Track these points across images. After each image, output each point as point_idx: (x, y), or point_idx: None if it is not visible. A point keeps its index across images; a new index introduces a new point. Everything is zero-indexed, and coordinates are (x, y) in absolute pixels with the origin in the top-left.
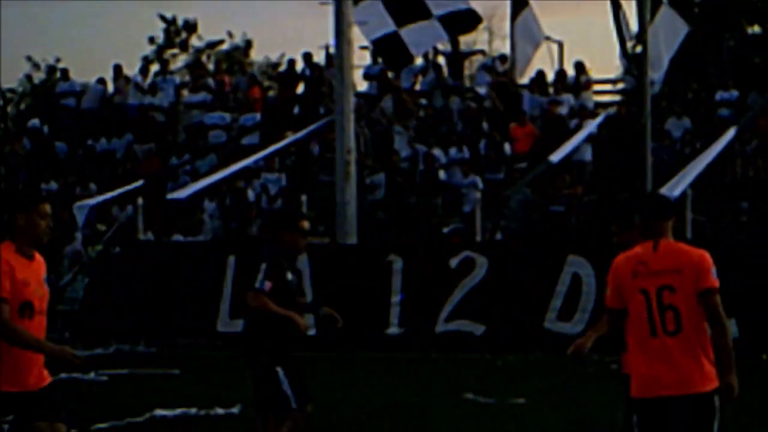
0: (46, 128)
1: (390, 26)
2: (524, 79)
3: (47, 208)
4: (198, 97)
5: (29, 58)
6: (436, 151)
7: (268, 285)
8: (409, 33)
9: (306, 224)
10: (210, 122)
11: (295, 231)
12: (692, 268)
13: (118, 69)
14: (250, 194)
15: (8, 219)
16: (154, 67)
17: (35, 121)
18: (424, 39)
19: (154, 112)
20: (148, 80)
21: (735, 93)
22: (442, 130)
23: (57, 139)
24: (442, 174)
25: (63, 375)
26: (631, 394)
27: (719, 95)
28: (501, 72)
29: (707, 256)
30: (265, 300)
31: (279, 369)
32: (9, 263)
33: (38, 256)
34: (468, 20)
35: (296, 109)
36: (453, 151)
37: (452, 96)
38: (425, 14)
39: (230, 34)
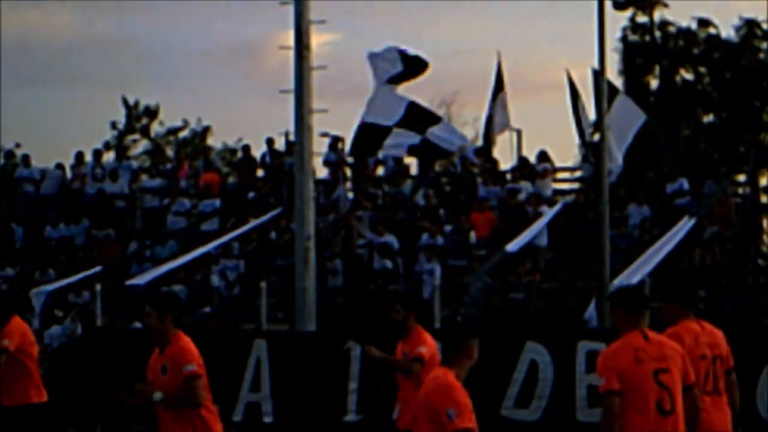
0: (3, 213)
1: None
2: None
3: None
4: (155, 183)
5: None
6: (389, 238)
7: None
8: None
9: None
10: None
11: None
12: None
13: (79, 156)
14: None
15: None
16: (112, 153)
17: None
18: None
19: (114, 199)
20: (105, 166)
21: (684, 183)
22: (400, 216)
23: (14, 224)
24: (388, 262)
25: None
26: None
27: (669, 187)
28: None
29: None
30: None
31: None
32: None
33: None
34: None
35: (255, 195)
36: (412, 237)
37: (410, 182)
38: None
39: (186, 122)
